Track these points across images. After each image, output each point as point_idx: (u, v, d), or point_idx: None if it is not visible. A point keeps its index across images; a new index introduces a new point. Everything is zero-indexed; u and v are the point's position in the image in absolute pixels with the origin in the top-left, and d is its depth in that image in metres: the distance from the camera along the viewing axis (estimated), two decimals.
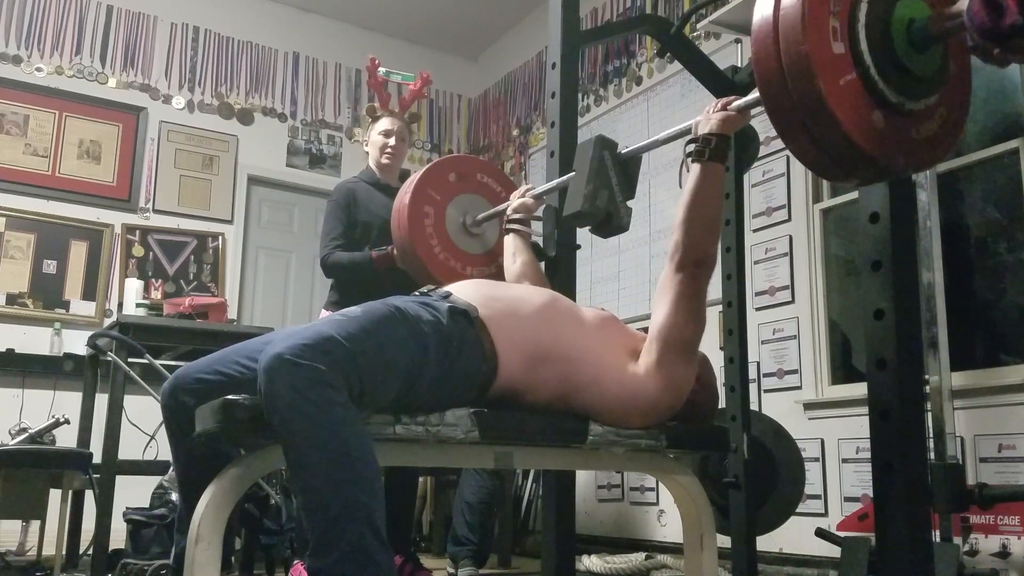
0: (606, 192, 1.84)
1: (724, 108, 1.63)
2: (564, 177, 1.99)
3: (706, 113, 1.66)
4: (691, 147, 1.64)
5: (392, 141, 3.18)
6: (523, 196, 2.19)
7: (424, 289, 1.64)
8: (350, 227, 3.05)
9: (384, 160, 3.18)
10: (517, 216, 2.16)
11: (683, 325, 1.59)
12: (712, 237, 1.62)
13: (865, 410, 1.59)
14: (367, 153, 3.25)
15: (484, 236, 2.40)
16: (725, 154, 1.63)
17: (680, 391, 1.62)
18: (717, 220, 1.64)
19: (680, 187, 1.67)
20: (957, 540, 2.71)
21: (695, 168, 1.61)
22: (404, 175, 3.29)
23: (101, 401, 3.27)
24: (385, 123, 3.20)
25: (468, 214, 2.38)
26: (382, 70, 3.30)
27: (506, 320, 1.55)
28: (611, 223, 1.87)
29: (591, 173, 1.83)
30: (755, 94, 1.46)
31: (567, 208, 1.88)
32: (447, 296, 1.56)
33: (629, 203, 1.90)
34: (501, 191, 2.42)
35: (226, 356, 1.61)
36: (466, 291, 1.60)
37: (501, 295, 1.62)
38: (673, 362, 1.59)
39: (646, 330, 1.67)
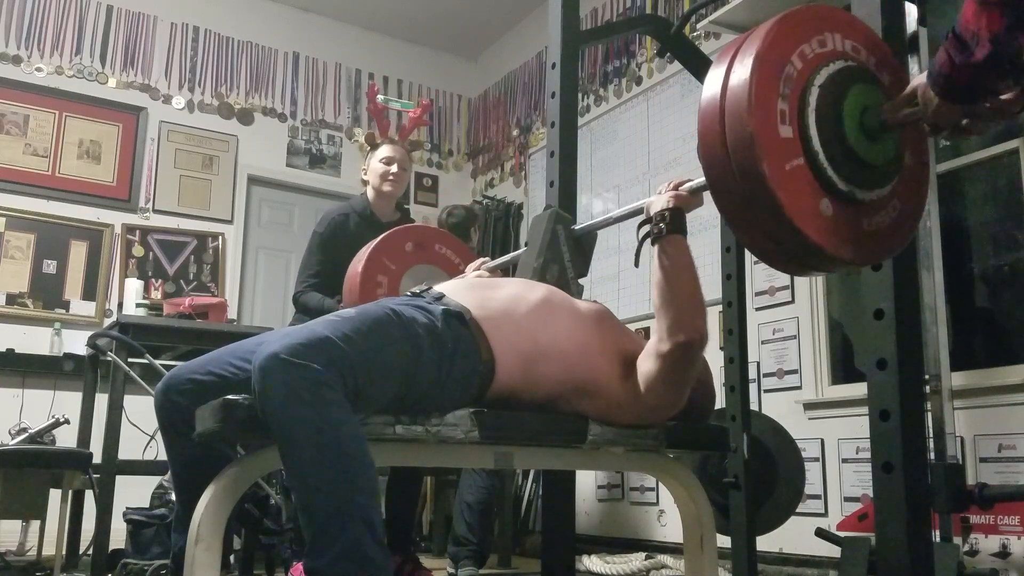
0: (556, 267, 1.82)
1: (676, 189, 1.61)
2: (518, 252, 1.97)
3: (658, 193, 1.63)
4: (646, 228, 1.59)
5: (394, 168, 3.16)
6: (478, 268, 2.12)
7: (416, 290, 1.63)
8: (329, 262, 3.04)
9: (386, 188, 3.16)
10: None
11: (662, 392, 1.55)
12: (697, 311, 1.52)
13: (865, 410, 1.59)
14: (365, 182, 3.22)
15: None
16: (684, 225, 1.57)
17: (666, 414, 1.62)
18: (697, 293, 1.54)
19: (636, 267, 1.62)
20: (957, 540, 2.70)
21: (656, 249, 1.55)
22: (400, 205, 3.29)
23: (101, 401, 3.27)
24: (386, 151, 3.19)
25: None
26: (380, 97, 3.29)
27: (501, 321, 1.54)
28: None
29: (542, 246, 1.81)
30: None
31: None
32: (440, 298, 1.56)
33: (582, 280, 1.86)
34: (459, 263, 2.38)
35: (220, 357, 1.61)
36: (459, 293, 1.59)
37: (496, 295, 1.61)
38: (657, 403, 1.58)
39: (645, 331, 1.67)
